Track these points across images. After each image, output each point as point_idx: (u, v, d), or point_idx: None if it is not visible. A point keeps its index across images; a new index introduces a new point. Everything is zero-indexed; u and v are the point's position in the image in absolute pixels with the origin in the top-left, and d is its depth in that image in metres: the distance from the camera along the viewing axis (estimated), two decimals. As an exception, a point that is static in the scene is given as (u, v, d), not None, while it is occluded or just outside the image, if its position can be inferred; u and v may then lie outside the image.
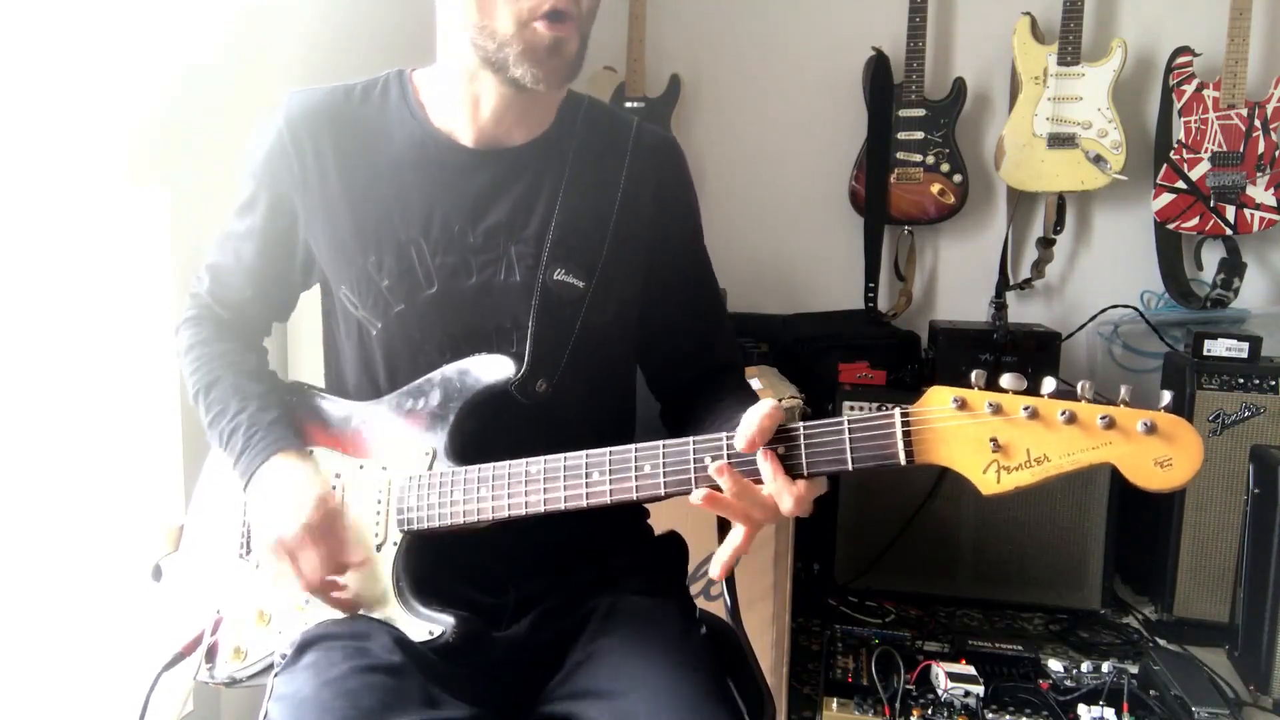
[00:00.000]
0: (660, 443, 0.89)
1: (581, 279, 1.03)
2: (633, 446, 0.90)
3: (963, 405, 0.78)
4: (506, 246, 1.03)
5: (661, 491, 0.88)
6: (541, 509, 0.92)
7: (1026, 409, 0.75)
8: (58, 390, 1.41)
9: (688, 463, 0.87)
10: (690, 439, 0.87)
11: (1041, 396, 0.76)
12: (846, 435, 0.82)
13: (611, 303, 1.06)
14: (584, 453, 0.91)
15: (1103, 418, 0.73)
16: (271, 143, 1.06)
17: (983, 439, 0.77)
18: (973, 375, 0.78)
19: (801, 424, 0.84)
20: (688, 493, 0.87)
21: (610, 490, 0.90)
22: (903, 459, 0.79)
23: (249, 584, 1.08)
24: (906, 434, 0.79)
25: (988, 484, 0.77)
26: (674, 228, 1.13)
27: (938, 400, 0.79)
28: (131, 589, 1.49)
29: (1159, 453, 0.72)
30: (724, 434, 0.86)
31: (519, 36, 0.94)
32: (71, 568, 1.44)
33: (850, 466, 0.82)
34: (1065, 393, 0.76)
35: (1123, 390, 0.74)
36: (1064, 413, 0.74)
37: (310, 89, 1.08)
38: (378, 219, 1.03)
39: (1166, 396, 0.73)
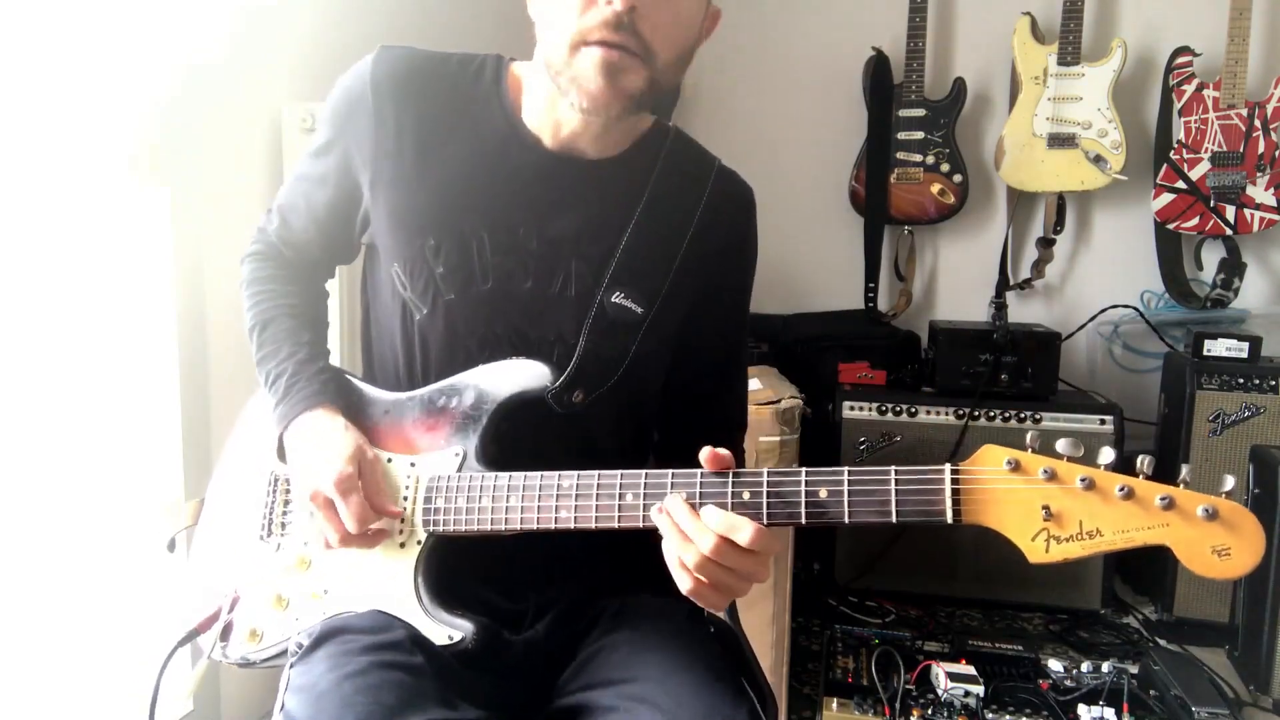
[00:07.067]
0: (698, 471, 0.86)
1: (641, 305, 1.02)
2: (669, 472, 0.87)
3: (1016, 467, 0.76)
4: (568, 260, 1.01)
5: None
6: (572, 525, 0.90)
7: (1084, 480, 0.73)
8: (60, 385, 1.40)
9: (725, 494, 0.85)
10: (730, 471, 0.85)
11: (1099, 468, 0.74)
12: (893, 487, 0.79)
13: (659, 332, 1.05)
14: (618, 472, 0.89)
15: (1162, 498, 0.71)
16: (355, 97, 1.03)
17: (1034, 505, 0.75)
18: (1028, 436, 0.76)
19: (846, 469, 0.82)
20: None
21: (643, 515, 0.87)
22: (950, 517, 0.77)
23: (268, 567, 1.07)
24: (956, 493, 0.77)
25: (1035, 551, 0.74)
26: (729, 276, 1.13)
27: (990, 460, 0.77)
28: (135, 572, 1.50)
29: (1219, 541, 0.69)
30: (765, 470, 0.85)
31: (570, 63, 0.92)
32: (73, 556, 1.44)
33: (894, 519, 0.79)
34: (1122, 467, 0.73)
35: (1183, 470, 0.72)
36: (1122, 488, 0.72)
37: (407, 49, 1.04)
38: (444, 203, 1.01)
39: (1229, 481, 0.70)
